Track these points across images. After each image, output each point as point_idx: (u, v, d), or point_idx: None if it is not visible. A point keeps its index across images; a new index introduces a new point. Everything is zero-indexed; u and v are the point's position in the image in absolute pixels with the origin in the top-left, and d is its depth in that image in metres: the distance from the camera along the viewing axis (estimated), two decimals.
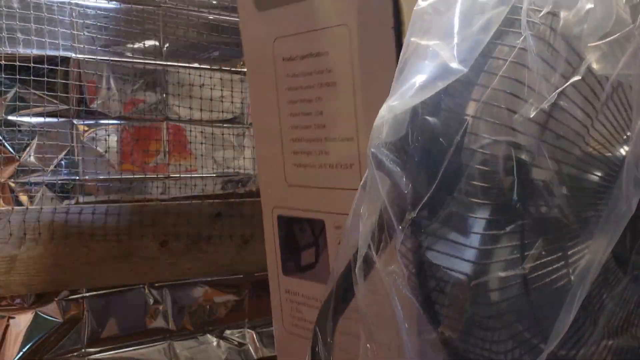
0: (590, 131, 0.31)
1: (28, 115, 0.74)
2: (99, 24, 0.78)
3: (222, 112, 0.87)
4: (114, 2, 0.78)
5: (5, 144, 0.73)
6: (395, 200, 0.31)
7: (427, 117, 0.30)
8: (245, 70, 0.88)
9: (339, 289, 0.35)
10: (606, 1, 0.30)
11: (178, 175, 0.83)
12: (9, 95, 0.73)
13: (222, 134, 0.87)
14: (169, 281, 0.83)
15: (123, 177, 0.80)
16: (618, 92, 0.31)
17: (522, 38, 0.29)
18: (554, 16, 0.30)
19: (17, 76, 0.72)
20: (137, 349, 0.81)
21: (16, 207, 0.72)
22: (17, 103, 0.73)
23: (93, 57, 0.77)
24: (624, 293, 0.35)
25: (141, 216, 0.78)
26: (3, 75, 0.72)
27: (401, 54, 0.33)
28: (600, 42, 0.30)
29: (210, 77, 0.85)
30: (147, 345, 0.81)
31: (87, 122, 0.78)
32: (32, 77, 0.73)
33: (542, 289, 0.31)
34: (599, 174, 0.31)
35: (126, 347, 0.80)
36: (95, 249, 0.76)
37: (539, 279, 0.30)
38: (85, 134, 0.78)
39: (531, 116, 0.29)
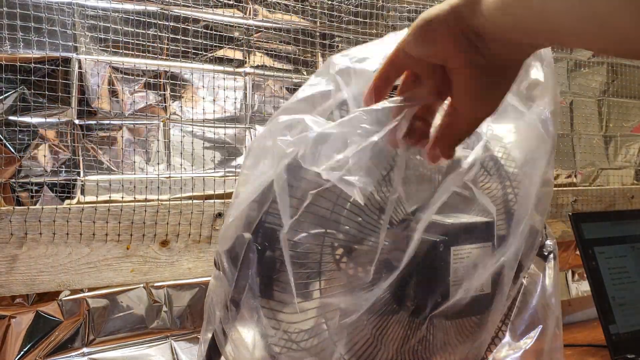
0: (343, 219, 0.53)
1: (29, 115, 0.74)
2: (99, 24, 0.78)
3: (223, 112, 0.87)
4: (115, 2, 0.78)
5: (7, 144, 0.73)
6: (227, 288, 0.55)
7: (243, 234, 0.53)
8: (245, 70, 0.89)
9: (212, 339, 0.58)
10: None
11: (179, 176, 0.84)
12: (10, 96, 0.73)
13: (224, 134, 0.87)
14: (169, 281, 0.83)
15: (124, 177, 0.80)
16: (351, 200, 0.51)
17: (275, 175, 0.51)
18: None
19: (19, 77, 0.73)
20: (138, 348, 0.81)
21: (17, 207, 0.72)
22: (19, 103, 0.73)
23: (94, 57, 0.78)
24: (404, 323, 0.54)
25: (142, 216, 0.78)
26: (4, 76, 0.72)
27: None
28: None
29: (212, 77, 0.86)
30: (148, 345, 0.82)
31: (88, 122, 0.78)
32: (33, 78, 0.73)
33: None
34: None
35: (126, 347, 0.80)
36: (96, 249, 0.76)
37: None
38: (86, 134, 0.78)
39: (285, 233, 0.50)
